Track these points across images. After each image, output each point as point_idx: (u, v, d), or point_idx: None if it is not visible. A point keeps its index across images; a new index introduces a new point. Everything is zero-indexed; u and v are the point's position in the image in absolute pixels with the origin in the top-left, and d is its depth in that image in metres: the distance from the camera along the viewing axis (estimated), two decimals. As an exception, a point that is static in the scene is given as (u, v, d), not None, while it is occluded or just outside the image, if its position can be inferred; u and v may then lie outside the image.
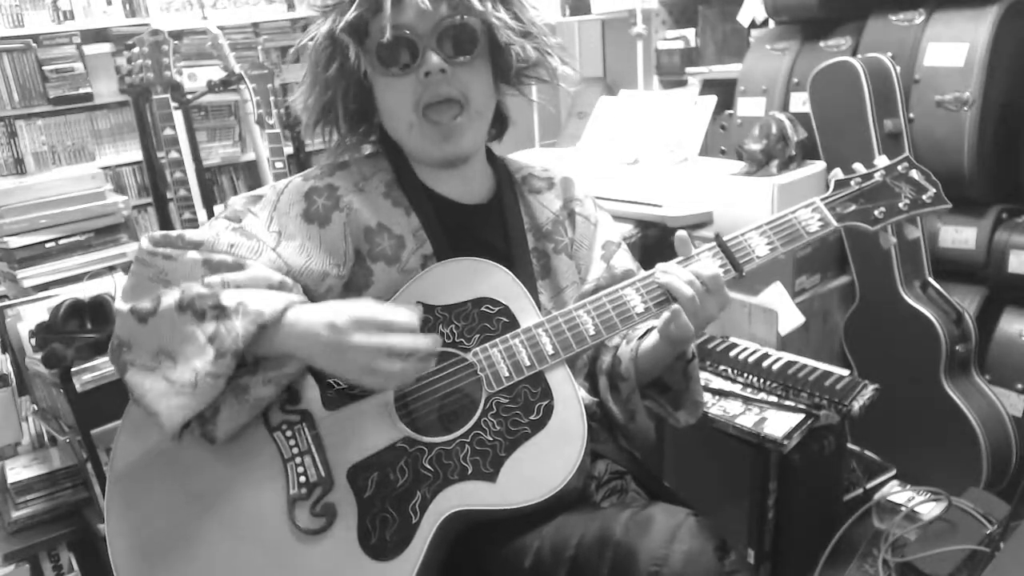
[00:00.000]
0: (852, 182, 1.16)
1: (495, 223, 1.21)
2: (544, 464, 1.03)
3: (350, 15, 1.07)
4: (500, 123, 1.25)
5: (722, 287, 1.08)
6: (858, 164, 1.18)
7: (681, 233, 1.12)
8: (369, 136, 1.23)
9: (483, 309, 1.10)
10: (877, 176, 1.16)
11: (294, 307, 1.02)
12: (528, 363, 1.07)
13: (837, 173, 1.18)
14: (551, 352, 1.08)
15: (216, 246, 1.06)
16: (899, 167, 1.17)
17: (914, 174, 1.17)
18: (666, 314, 1.08)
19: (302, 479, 1.04)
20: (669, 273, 1.08)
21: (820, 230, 1.13)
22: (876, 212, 1.14)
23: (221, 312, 0.99)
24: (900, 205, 1.15)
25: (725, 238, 1.12)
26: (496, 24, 1.09)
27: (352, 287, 1.13)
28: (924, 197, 1.16)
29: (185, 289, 1.02)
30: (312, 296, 1.11)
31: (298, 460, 1.05)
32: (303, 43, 1.15)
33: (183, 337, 1.00)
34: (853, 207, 1.14)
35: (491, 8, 1.09)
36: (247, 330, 0.98)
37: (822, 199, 1.15)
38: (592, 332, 1.09)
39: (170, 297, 1.02)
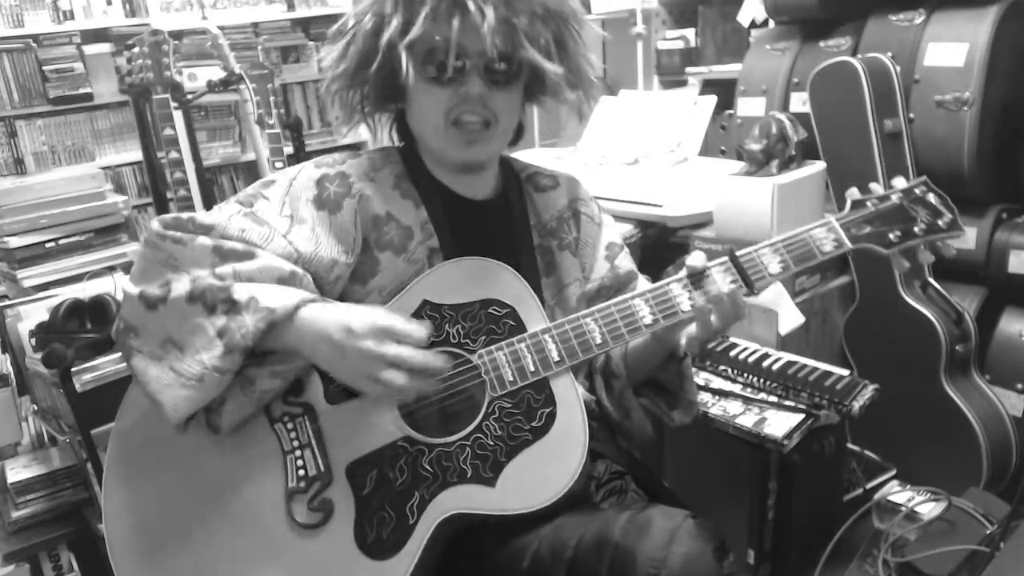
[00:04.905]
0: (869, 203, 1.14)
1: (501, 219, 1.22)
2: (544, 472, 1.03)
3: (400, 20, 1.05)
4: (516, 132, 1.24)
5: (741, 309, 1.08)
6: (875, 184, 1.16)
7: (699, 255, 1.12)
8: (387, 105, 1.20)
9: (490, 311, 1.10)
10: (894, 198, 1.14)
11: (307, 305, 1.02)
12: (533, 369, 1.07)
13: (854, 193, 1.15)
14: (556, 359, 1.08)
15: (227, 231, 1.05)
16: (916, 190, 1.15)
17: (931, 198, 1.15)
18: (692, 330, 1.09)
19: (301, 472, 1.04)
20: (696, 304, 1.08)
21: (834, 251, 1.11)
22: (891, 235, 1.12)
23: (232, 306, 0.99)
24: (916, 229, 1.12)
25: (738, 253, 1.10)
26: (547, 71, 1.09)
27: (358, 276, 1.13)
28: (940, 222, 1.13)
29: (196, 279, 1.02)
30: (321, 286, 1.11)
31: (298, 453, 1.05)
32: (345, 21, 1.13)
33: (192, 328, 1.00)
34: (868, 229, 1.12)
35: (542, 55, 1.08)
36: (257, 327, 0.98)
37: (837, 219, 1.12)
38: (599, 341, 1.09)
39: (181, 286, 1.01)
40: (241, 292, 1.00)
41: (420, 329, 1.01)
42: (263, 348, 1.03)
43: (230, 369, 1.00)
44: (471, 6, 1.02)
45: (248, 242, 1.06)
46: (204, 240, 1.04)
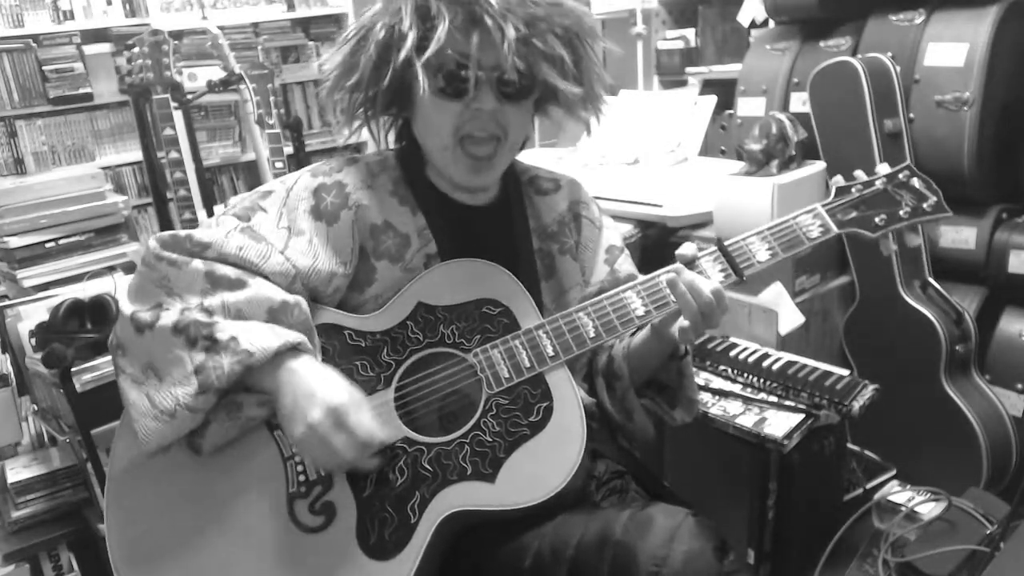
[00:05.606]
0: (853, 189, 1.16)
1: (500, 224, 1.21)
2: (543, 466, 1.03)
3: (416, 36, 1.03)
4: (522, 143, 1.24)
5: (724, 301, 1.07)
6: (859, 171, 1.18)
7: (689, 246, 1.12)
8: (389, 110, 1.19)
9: (484, 310, 1.11)
10: (878, 183, 1.17)
11: (287, 356, 1.01)
12: (528, 364, 1.08)
13: (838, 180, 1.18)
14: (551, 354, 1.08)
15: (224, 249, 1.05)
16: (900, 175, 1.18)
17: (915, 182, 1.18)
18: (683, 322, 1.08)
19: (301, 477, 1.04)
20: (678, 288, 1.07)
21: (821, 236, 1.13)
22: (877, 219, 1.15)
23: (213, 345, 0.99)
24: (901, 213, 1.15)
25: (726, 243, 1.12)
26: (564, 92, 1.08)
27: (355, 283, 1.13)
28: (925, 205, 1.16)
29: (185, 310, 1.02)
30: (320, 298, 1.11)
31: (298, 458, 1.05)
32: (352, 29, 1.11)
33: (172, 359, 1.01)
34: (854, 214, 1.15)
35: (560, 75, 1.07)
36: (232, 369, 0.98)
37: (823, 205, 1.15)
38: (592, 334, 1.09)
39: (169, 316, 1.02)
40: (224, 331, 1.00)
41: (371, 435, 1.00)
42: (242, 387, 1.03)
43: (202, 409, 1.00)
44: (489, 22, 1.00)
45: (245, 263, 1.05)
46: (198, 265, 1.04)
